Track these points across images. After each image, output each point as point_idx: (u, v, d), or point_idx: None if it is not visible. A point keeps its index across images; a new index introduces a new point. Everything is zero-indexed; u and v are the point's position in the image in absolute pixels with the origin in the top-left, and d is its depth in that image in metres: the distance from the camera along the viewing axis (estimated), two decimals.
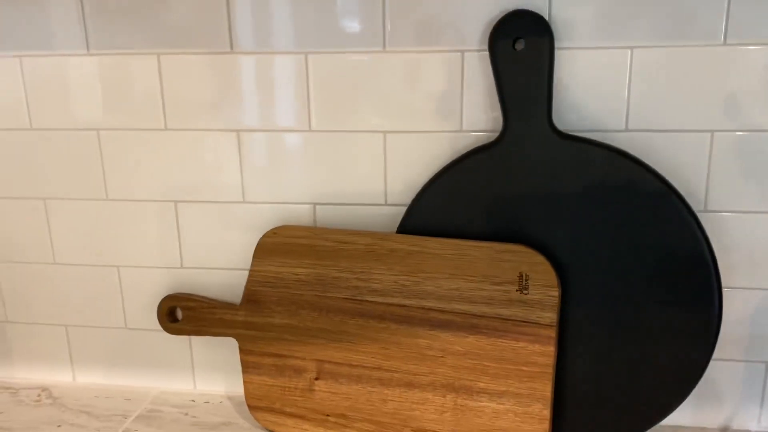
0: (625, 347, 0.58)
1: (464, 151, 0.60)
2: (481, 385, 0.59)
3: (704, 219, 0.58)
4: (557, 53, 0.58)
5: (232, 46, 0.63)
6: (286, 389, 0.65)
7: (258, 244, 0.64)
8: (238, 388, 0.72)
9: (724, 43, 0.56)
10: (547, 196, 0.58)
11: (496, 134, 0.59)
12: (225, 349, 0.71)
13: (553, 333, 0.57)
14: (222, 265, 0.69)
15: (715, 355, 0.60)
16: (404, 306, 0.61)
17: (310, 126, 0.64)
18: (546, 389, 0.57)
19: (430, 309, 0.60)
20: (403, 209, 0.63)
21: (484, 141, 0.60)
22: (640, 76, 0.58)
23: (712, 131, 0.58)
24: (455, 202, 0.60)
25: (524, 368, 0.58)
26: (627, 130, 0.59)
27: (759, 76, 0.56)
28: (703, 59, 0.56)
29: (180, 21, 0.62)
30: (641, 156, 0.57)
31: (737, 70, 0.56)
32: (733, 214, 0.59)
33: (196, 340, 0.72)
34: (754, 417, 0.64)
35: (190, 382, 0.74)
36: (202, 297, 0.69)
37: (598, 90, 0.58)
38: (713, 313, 0.56)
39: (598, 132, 0.59)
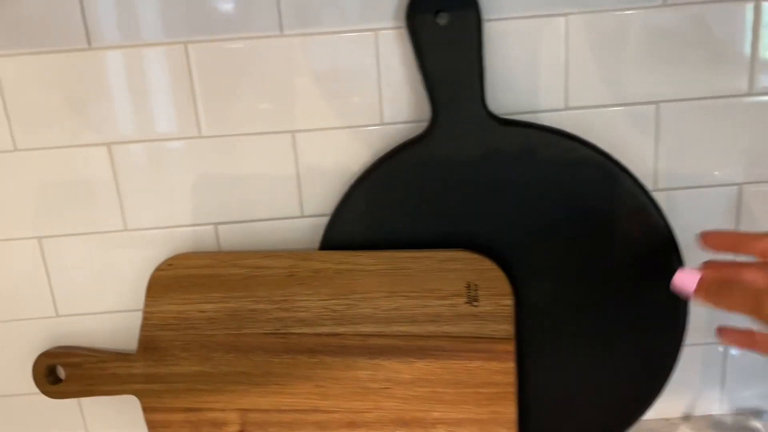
0: (589, 350, 0.52)
1: (389, 148, 0.52)
2: (436, 415, 0.51)
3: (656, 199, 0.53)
4: (485, 25, 0.50)
5: (89, 41, 0.50)
6: None
7: (150, 280, 0.53)
8: None
9: (664, 4, 0.50)
10: (488, 191, 0.51)
11: (424, 125, 0.51)
12: (125, 407, 0.58)
13: (510, 347, 0.50)
14: (108, 308, 0.57)
15: None
16: (338, 335, 0.52)
17: (199, 131, 0.53)
18: (509, 411, 0.50)
19: (368, 335, 0.51)
20: (324, 220, 0.53)
21: (411, 134, 0.52)
22: (577, 46, 0.51)
23: (657, 102, 0.53)
24: (385, 208, 0.52)
25: (482, 390, 0.51)
26: (567, 108, 0.53)
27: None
28: (646, 22, 0.51)
29: (21, 14, 0.49)
30: (586, 136, 0.51)
31: (684, 34, 0.51)
32: (684, 190, 0.55)
33: (87, 401, 0.60)
34: (715, 400, 0.61)
35: None
36: (88, 349, 0.57)
37: (532, 65, 0.52)
38: (681, 298, 0.51)
39: (535, 113, 0.53)
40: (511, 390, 0.50)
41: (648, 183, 0.54)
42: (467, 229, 0.51)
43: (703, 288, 0.39)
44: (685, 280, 0.40)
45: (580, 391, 0.53)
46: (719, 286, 0.37)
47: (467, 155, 0.50)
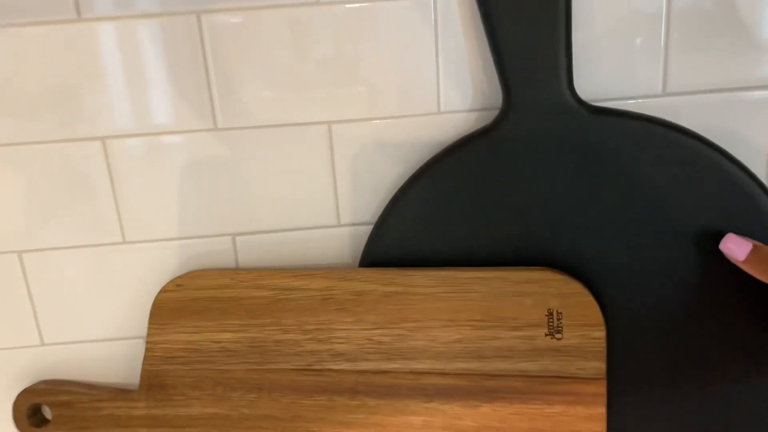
0: (695, 395, 0.43)
1: (448, 141, 0.42)
2: None
3: None
4: None
5: (79, 11, 0.40)
6: None
7: (154, 303, 0.44)
8: None
9: None
10: (574, 196, 0.41)
11: (494, 113, 0.42)
12: None
13: (601, 389, 0.41)
14: (103, 335, 0.48)
15: None
16: (385, 372, 0.42)
17: (215, 123, 0.43)
18: None
19: (423, 372, 0.42)
20: (366, 230, 0.44)
21: (477, 124, 0.42)
22: (681, 19, 0.41)
23: None
24: (443, 215, 0.42)
25: None
26: (665, 94, 0.43)
27: None
28: None
29: None
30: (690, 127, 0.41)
31: None
32: None
33: None
34: None
35: None
36: (80, 385, 0.47)
37: (624, 43, 0.42)
38: None
39: (626, 99, 0.43)
40: None
41: None
42: (547, 243, 0.42)
43: (753, 259, 0.37)
44: (736, 246, 0.38)
45: None
46: None
47: (548, 151, 0.41)
